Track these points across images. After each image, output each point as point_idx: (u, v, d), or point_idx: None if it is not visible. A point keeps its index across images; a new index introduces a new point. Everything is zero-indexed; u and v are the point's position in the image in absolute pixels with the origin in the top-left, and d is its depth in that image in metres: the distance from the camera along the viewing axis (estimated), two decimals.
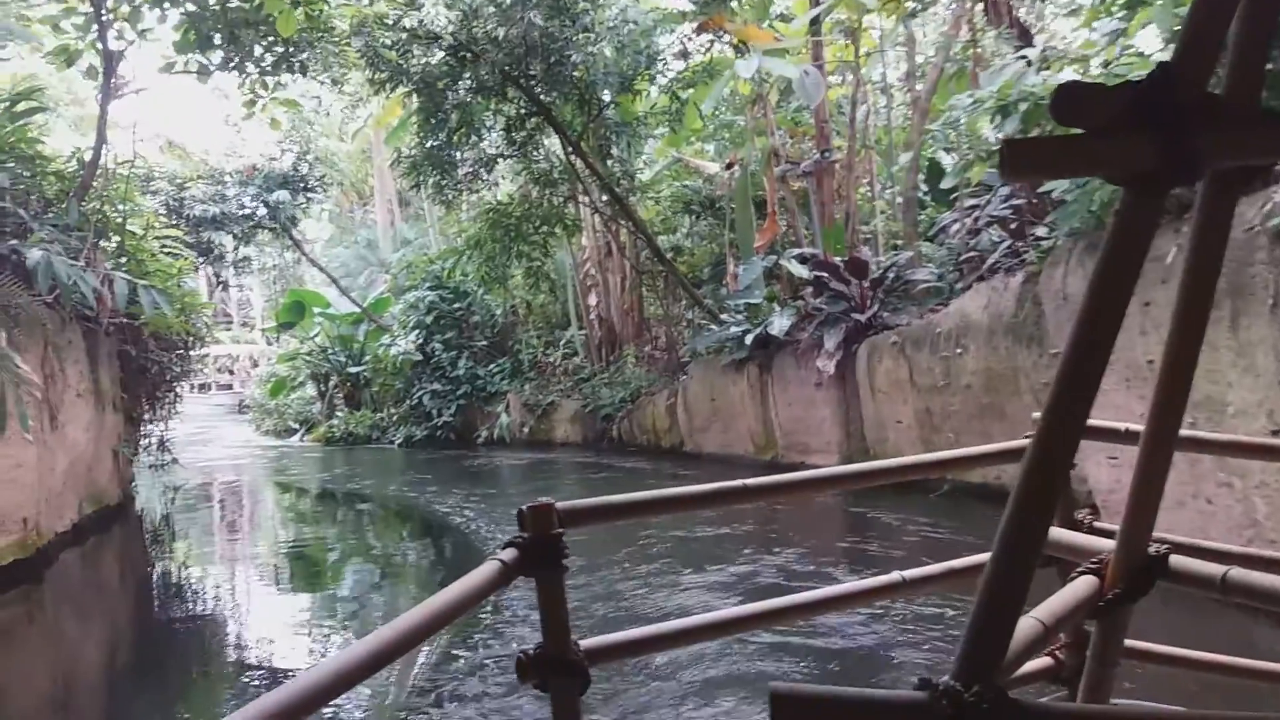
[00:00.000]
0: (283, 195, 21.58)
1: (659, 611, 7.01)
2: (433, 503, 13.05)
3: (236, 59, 12.84)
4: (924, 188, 14.22)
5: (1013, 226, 10.36)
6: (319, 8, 12.72)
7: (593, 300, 20.39)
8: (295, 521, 13.63)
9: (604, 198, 17.43)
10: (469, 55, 14.88)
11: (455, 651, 6.50)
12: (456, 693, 5.80)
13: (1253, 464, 5.81)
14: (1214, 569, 1.77)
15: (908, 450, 10.78)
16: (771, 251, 14.91)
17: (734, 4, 14.95)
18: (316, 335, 25.54)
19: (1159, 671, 2.71)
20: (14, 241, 9.19)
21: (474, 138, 16.77)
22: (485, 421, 20.39)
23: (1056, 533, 2.18)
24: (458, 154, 16.92)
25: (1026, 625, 1.46)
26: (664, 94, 16.40)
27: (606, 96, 16.04)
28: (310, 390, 25.36)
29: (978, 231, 11.21)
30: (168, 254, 13.62)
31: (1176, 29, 6.14)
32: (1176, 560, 1.78)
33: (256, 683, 6.32)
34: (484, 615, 7.13)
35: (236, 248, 22.35)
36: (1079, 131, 1.14)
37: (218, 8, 11.93)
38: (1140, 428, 1.66)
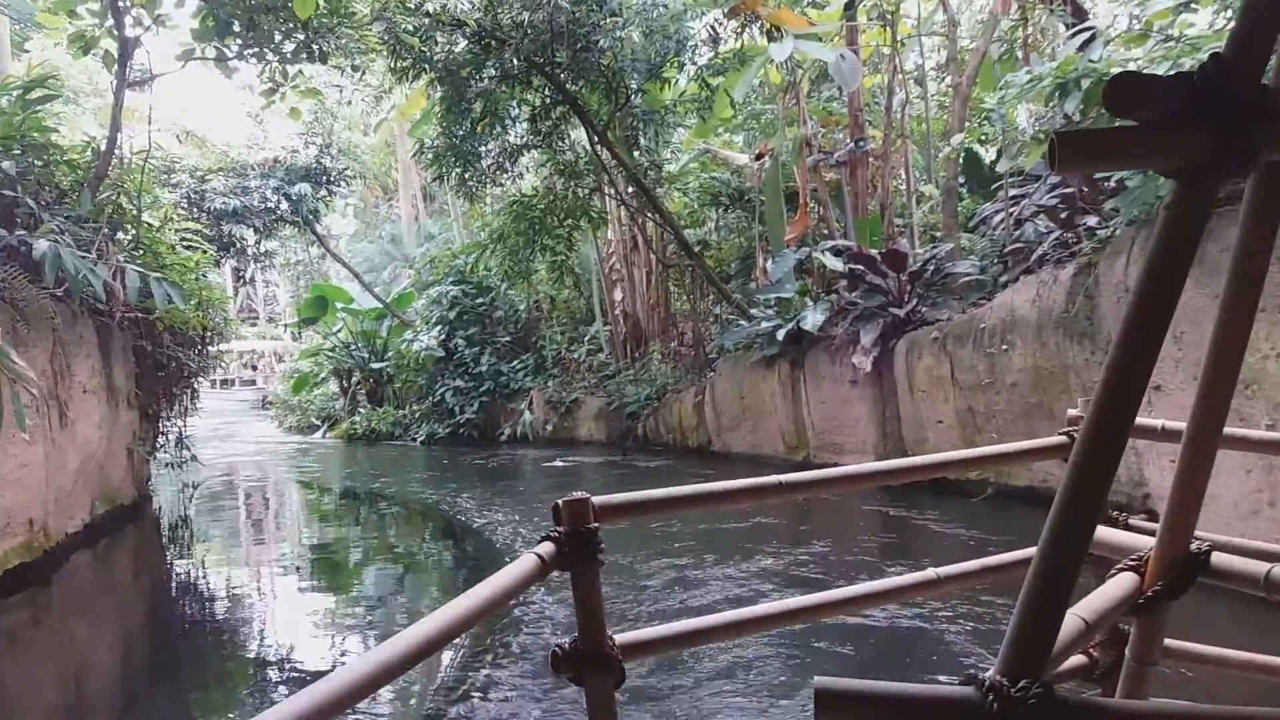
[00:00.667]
0: (305, 188, 21.32)
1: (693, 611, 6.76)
2: (458, 505, 12.70)
3: (256, 46, 12.53)
4: (960, 179, 13.69)
5: (1062, 216, 9.85)
6: None
7: (618, 295, 19.93)
8: (317, 521, 13.31)
9: (630, 189, 16.99)
10: (493, 42, 14.48)
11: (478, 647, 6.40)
12: (485, 685, 5.70)
13: None
14: (1258, 566, 1.76)
15: (947, 451, 10.29)
16: (803, 244, 14.43)
17: None
18: (339, 331, 25.34)
19: (1199, 671, 2.65)
20: (22, 232, 8.84)
21: (498, 128, 16.39)
22: (508, 419, 20.06)
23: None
24: (481, 145, 16.56)
25: (1069, 622, 1.47)
26: (693, 81, 15.90)
27: (634, 84, 15.58)
28: (333, 386, 25.18)
29: (1022, 222, 10.72)
30: (187, 247, 13.33)
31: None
32: (1219, 558, 1.76)
33: (274, 694, 5.95)
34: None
35: (258, 241, 22.09)
36: (1124, 123, 1.13)
37: None
38: (1177, 425, 1.59)
